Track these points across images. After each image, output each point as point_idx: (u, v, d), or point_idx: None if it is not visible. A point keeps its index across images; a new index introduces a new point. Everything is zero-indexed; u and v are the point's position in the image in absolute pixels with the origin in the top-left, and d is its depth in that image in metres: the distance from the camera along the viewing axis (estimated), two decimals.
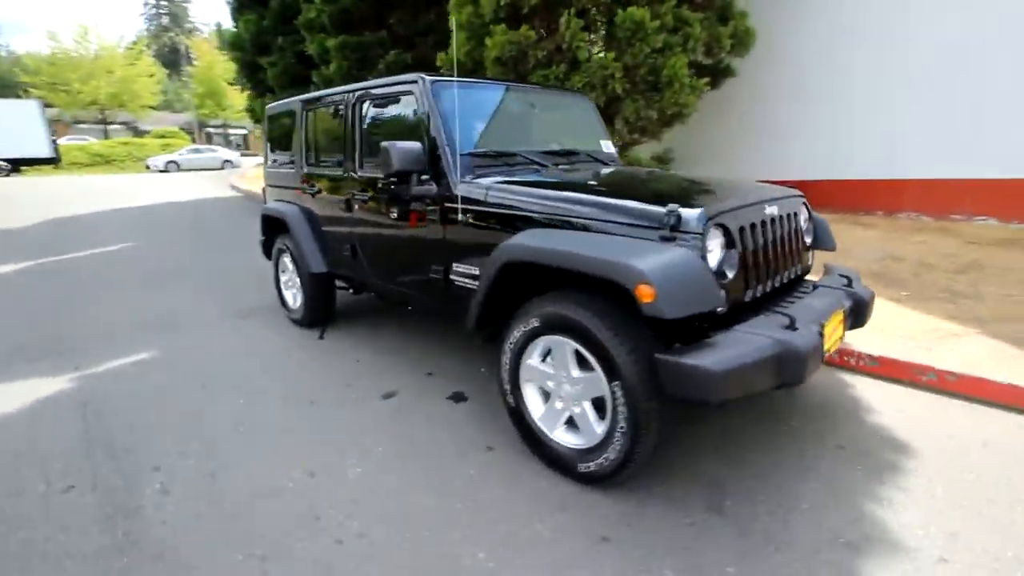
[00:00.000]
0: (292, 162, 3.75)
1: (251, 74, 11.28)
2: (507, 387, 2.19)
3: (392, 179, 2.65)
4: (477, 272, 2.40)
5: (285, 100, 3.91)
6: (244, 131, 39.78)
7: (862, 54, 6.34)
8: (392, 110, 2.82)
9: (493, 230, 2.27)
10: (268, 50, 10.53)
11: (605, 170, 2.82)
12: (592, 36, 5.73)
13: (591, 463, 1.90)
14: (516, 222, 2.18)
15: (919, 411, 2.54)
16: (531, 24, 5.54)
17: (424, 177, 2.52)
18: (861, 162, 6.42)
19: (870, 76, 6.29)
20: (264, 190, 4.37)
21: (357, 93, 2.97)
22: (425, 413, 2.62)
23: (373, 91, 2.88)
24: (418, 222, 2.63)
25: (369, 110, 2.93)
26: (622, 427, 1.77)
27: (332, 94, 3.26)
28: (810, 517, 1.83)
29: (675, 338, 1.82)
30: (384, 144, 2.43)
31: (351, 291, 3.80)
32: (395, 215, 2.76)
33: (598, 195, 2.04)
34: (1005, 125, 5.33)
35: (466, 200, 2.35)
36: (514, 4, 5.51)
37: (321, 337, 3.75)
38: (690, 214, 1.78)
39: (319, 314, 3.86)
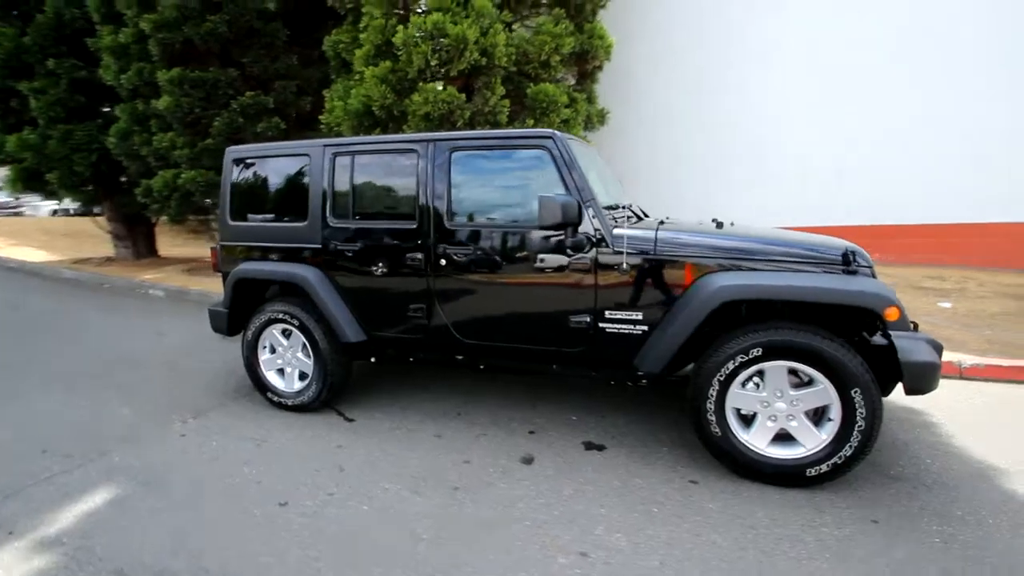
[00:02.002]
0: (295, 218, 3.15)
1: None
2: (712, 418, 2.36)
3: (531, 232, 2.62)
4: (640, 317, 2.54)
5: (286, 144, 3.28)
6: None
7: (685, 132, 8.37)
8: (505, 163, 2.76)
9: (670, 276, 2.47)
10: (30, 73, 8.02)
11: (685, 217, 3.24)
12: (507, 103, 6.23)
13: (823, 465, 2.23)
14: (692, 267, 2.44)
15: None
16: (456, 86, 5.76)
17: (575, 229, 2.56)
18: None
19: (694, 150, 8.33)
20: (217, 251, 3.49)
21: (448, 143, 2.79)
22: (588, 468, 2.54)
23: (475, 142, 2.76)
24: (561, 274, 2.62)
25: (468, 162, 2.78)
26: (860, 425, 2.16)
27: (392, 141, 2.95)
28: (942, 463, 2.51)
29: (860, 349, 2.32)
30: (544, 197, 2.41)
31: (372, 360, 3.32)
32: (525, 268, 2.67)
33: (779, 242, 2.45)
34: (783, 192, 7.74)
35: (632, 251, 2.49)
36: (440, 66, 5.66)
37: (348, 419, 3.16)
38: (862, 253, 2.35)
39: (336, 391, 3.25)
